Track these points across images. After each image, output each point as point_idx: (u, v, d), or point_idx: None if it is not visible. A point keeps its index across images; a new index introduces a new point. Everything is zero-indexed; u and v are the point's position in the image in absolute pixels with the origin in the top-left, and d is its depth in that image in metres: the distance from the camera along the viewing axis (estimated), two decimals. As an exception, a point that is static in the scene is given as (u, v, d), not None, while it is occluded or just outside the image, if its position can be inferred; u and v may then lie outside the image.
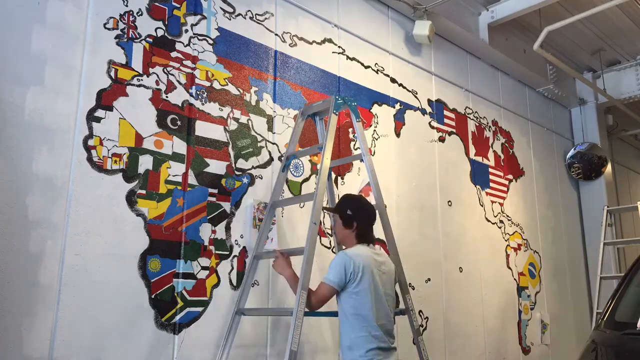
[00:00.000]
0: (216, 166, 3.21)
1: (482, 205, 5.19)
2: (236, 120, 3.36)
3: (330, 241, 3.72)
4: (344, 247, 2.95)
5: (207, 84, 3.26)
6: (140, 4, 3.05)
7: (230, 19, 3.46)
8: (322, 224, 3.70)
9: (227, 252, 3.16)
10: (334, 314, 2.97)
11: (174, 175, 3.01)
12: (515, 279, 5.40)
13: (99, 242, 2.68)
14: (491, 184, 5.38)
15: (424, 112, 4.77)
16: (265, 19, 3.68)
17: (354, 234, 2.86)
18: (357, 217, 2.89)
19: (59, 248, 2.55)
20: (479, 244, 5.04)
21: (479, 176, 5.25)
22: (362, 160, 3.39)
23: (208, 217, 3.11)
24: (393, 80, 4.54)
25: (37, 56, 2.63)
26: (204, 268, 3.03)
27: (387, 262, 2.91)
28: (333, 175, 3.70)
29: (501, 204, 5.46)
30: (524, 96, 6.21)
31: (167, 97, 3.07)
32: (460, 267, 4.77)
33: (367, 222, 2.91)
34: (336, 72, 4.08)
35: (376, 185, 3.23)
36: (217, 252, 3.11)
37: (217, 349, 2.97)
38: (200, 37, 3.29)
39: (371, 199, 3.51)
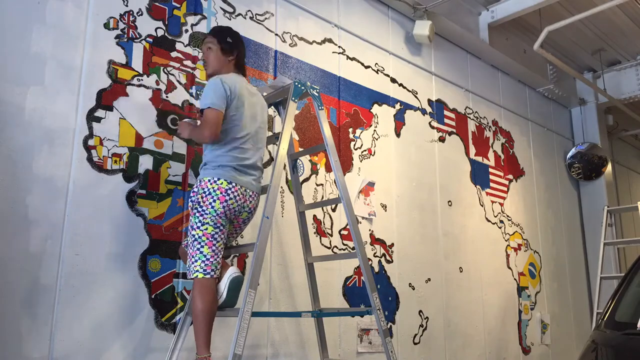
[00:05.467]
0: (216, 166, 3.20)
1: (482, 205, 5.19)
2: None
3: (330, 241, 3.73)
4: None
5: (207, 84, 3.25)
6: (140, 4, 3.05)
7: (230, 19, 3.46)
8: (322, 223, 3.70)
9: (227, 253, 3.15)
10: (295, 314, 2.90)
11: (174, 175, 3.01)
12: (515, 279, 5.40)
13: (99, 242, 2.68)
14: (491, 184, 5.38)
15: (424, 112, 4.77)
16: (265, 19, 3.68)
17: (232, 62, 2.77)
18: (238, 45, 2.80)
19: (59, 248, 2.55)
20: (479, 244, 5.04)
21: (479, 176, 5.25)
22: (325, 151, 3.21)
23: (208, 217, 3.10)
24: (393, 80, 4.54)
25: (37, 56, 2.63)
26: (204, 268, 3.02)
27: (258, 95, 2.85)
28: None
29: (501, 204, 5.45)
30: (524, 96, 6.21)
31: (167, 97, 3.07)
32: (460, 267, 4.77)
33: (244, 52, 2.86)
34: (336, 72, 4.07)
35: (340, 179, 2.99)
36: (217, 252, 3.10)
37: (216, 351, 2.97)
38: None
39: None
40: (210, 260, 2.46)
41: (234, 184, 2.53)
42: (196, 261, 2.45)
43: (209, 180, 2.51)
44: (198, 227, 2.48)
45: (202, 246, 2.46)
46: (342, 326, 3.70)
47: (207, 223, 2.47)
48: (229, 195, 2.51)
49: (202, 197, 2.49)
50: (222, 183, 2.51)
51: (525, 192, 5.86)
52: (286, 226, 3.48)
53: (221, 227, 2.51)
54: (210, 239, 2.47)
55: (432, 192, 4.67)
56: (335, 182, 3.42)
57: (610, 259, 6.23)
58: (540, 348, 5.51)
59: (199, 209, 2.49)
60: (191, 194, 2.56)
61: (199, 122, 2.60)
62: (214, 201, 2.48)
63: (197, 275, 2.44)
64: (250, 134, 2.66)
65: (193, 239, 2.48)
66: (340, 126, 4.00)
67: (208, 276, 2.44)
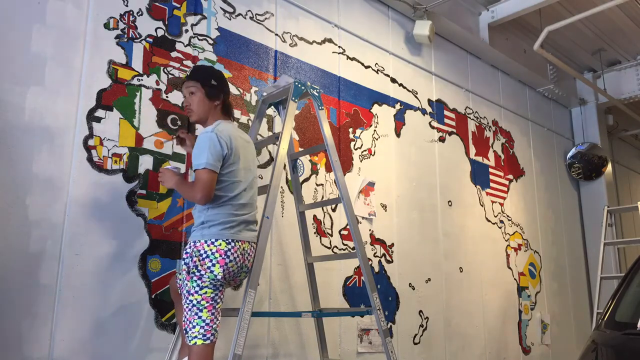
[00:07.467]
0: (216, 166, 3.20)
1: (482, 205, 5.19)
2: (236, 120, 3.36)
3: (330, 241, 3.73)
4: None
5: (207, 84, 3.25)
6: (141, 4, 3.05)
7: (230, 19, 3.46)
8: (322, 223, 3.70)
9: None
10: (295, 314, 2.87)
11: (174, 175, 3.00)
12: (515, 279, 5.40)
13: (99, 242, 2.68)
14: (491, 184, 5.38)
15: (424, 112, 4.77)
16: (266, 19, 3.68)
17: (219, 107, 2.60)
18: (224, 86, 2.63)
19: (59, 248, 2.55)
20: (479, 244, 5.04)
21: (479, 176, 5.24)
22: (325, 151, 3.20)
23: (208, 217, 3.10)
24: (393, 80, 4.54)
25: (37, 56, 2.63)
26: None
27: (250, 141, 2.70)
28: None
29: (501, 204, 5.45)
30: (524, 96, 6.20)
31: (167, 97, 3.07)
32: (460, 267, 4.77)
33: (229, 92, 2.69)
34: (336, 72, 4.07)
35: (340, 179, 3.02)
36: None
37: (217, 351, 2.97)
38: (200, 37, 3.29)
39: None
40: (210, 324, 2.34)
41: (233, 244, 2.39)
42: (194, 327, 2.33)
43: (206, 242, 2.37)
44: (197, 292, 2.34)
45: (201, 310, 2.33)
46: (342, 326, 3.69)
47: (207, 287, 2.34)
48: (228, 257, 2.36)
49: (199, 261, 2.35)
50: (220, 244, 2.36)
51: (525, 192, 5.86)
52: (286, 226, 3.48)
53: (220, 289, 2.39)
54: (211, 301, 2.35)
55: (432, 192, 4.66)
56: (335, 182, 3.42)
57: (610, 259, 6.23)
58: (540, 348, 5.51)
59: (197, 273, 2.34)
60: (184, 256, 2.42)
61: (182, 169, 2.43)
62: (213, 265, 2.34)
63: (195, 342, 2.31)
64: (246, 187, 2.53)
65: (191, 304, 2.34)
66: (340, 126, 4.00)
67: (208, 342, 2.33)
